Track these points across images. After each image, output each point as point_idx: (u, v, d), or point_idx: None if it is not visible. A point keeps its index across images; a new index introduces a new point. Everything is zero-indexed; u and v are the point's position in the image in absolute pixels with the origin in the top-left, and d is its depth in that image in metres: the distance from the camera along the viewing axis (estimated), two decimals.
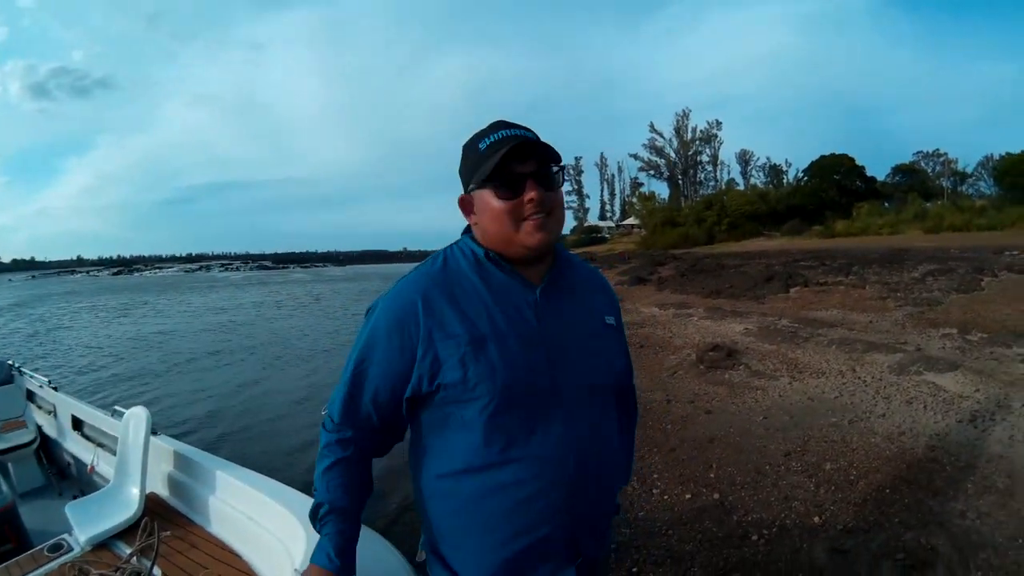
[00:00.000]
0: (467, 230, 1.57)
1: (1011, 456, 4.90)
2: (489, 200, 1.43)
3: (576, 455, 1.46)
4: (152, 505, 3.11)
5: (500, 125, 1.46)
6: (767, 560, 3.80)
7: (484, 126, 1.49)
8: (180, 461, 3.26)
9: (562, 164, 1.48)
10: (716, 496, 4.73)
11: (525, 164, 1.41)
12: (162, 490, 3.30)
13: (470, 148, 1.47)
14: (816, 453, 5.36)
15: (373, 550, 2.16)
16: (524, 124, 1.49)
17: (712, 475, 5.11)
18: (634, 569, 3.82)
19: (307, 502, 1.56)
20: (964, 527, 3.95)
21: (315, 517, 1.51)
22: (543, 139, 1.47)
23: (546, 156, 1.44)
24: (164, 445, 3.35)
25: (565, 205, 1.56)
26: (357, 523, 1.52)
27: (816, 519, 4.25)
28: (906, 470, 4.86)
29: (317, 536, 1.51)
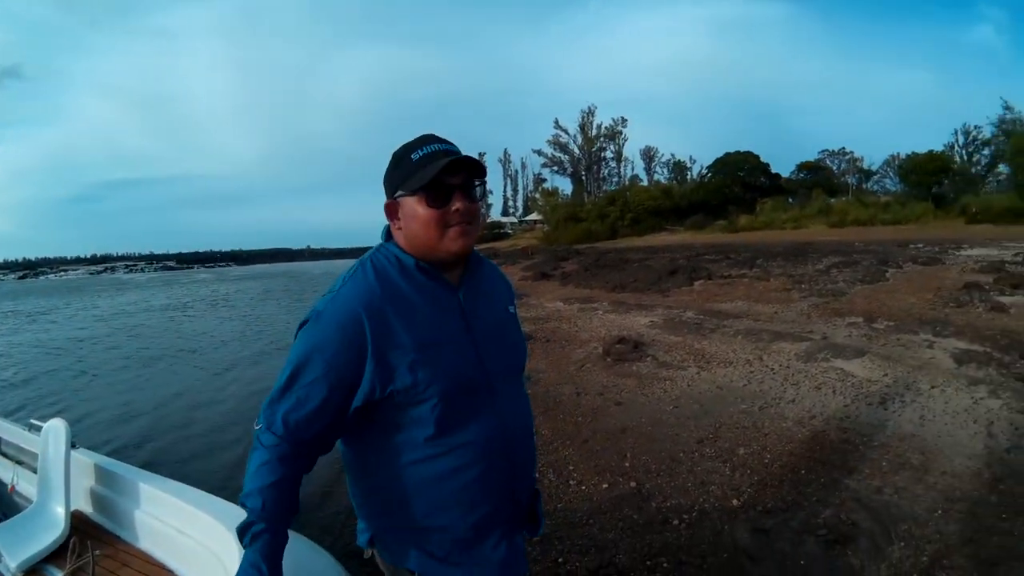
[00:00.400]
0: (388, 234, 1.70)
1: (923, 435, 5.19)
2: (417, 208, 1.56)
3: (508, 434, 1.68)
4: (78, 523, 3.02)
5: (431, 139, 1.61)
6: (690, 543, 3.90)
7: (413, 138, 1.62)
8: (103, 475, 3.18)
9: (484, 180, 1.66)
10: (633, 484, 4.80)
11: (455, 176, 1.56)
12: (86, 507, 3.21)
13: (402, 158, 1.60)
14: (729, 439, 5.52)
15: (305, 555, 2.20)
16: (433, 129, 1.71)
17: (627, 464, 5.18)
18: (559, 559, 3.85)
19: (236, 511, 1.51)
20: (883, 502, 4.15)
21: (246, 533, 1.53)
22: (453, 143, 1.63)
23: (473, 170, 1.60)
24: (85, 459, 3.26)
25: None
26: (287, 537, 1.59)
27: (735, 502, 4.37)
28: (820, 452, 5.06)
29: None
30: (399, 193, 1.59)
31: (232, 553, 2.10)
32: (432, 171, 1.50)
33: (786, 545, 3.72)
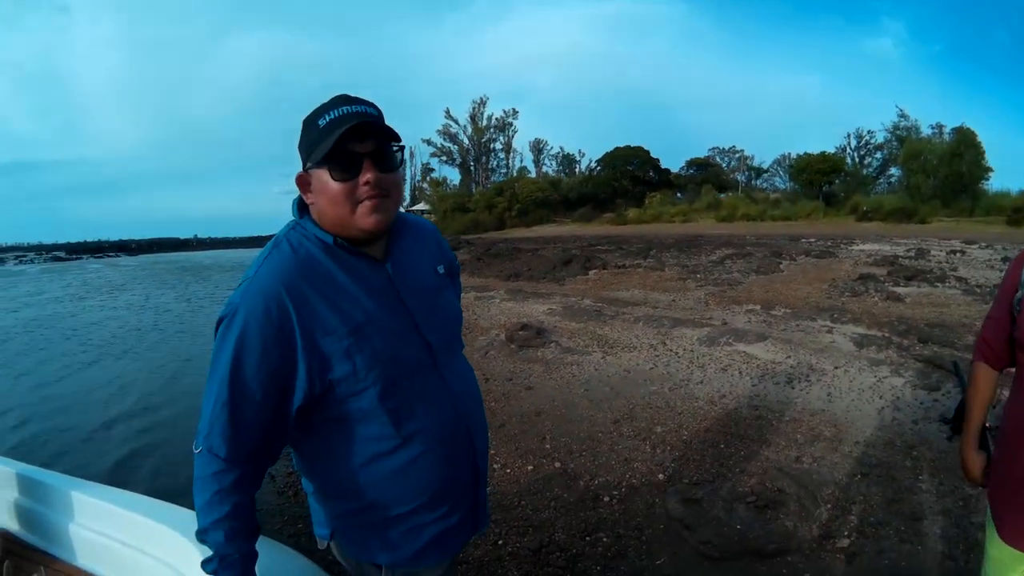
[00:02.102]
0: (303, 209, 1.59)
1: (832, 410, 5.58)
2: (326, 181, 1.46)
3: (461, 410, 1.66)
4: (7, 545, 2.71)
5: (342, 100, 1.48)
6: (625, 517, 4.10)
7: (327, 99, 1.50)
8: (27, 485, 2.82)
9: (402, 144, 1.55)
10: (558, 465, 4.95)
11: (364, 143, 1.45)
12: (12, 524, 2.84)
13: (310, 124, 1.49)
14: (644, 419, 5.75)
15: (279, 560, 2.08)
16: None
17: (548, 446, 5.34)
18: (499, 541, 3.95)
19: (184, 514, 1.46)
20: (803, 470, 4.46)
21: (213, 562, 1.47)
22: (370, 104, 1.52)
23: (386, 135, 1.49)
24: (6, 469, 2.89)
25: None
26: (256, 554, 1.54)
27: (660, 476, 4.60)
28: (735, 427, 5.37)
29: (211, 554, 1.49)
30: (309, 164, 1.49)
31: (193, 564, 1.87)
32: (333, 139, 1.40)
33: (719, 512, 3.95)
